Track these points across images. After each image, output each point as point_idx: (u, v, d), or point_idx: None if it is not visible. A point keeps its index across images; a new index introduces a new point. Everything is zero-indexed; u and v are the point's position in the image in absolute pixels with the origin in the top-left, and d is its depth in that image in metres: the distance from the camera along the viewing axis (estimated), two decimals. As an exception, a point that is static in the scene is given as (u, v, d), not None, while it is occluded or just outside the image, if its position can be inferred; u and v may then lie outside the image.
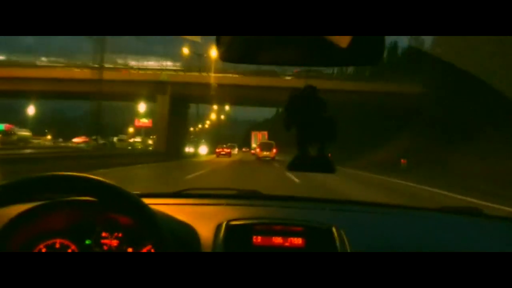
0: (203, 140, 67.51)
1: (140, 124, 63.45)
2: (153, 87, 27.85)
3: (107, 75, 24.45)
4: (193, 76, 28.33)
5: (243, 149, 60.44)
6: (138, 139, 62.42)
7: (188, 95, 29.57)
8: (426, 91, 22.72)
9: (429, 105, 22.77)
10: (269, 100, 26.92)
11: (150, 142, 67.87)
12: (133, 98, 33.83)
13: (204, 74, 26.89)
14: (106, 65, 25.40)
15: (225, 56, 0.68)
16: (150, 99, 30.87)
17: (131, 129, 77.08)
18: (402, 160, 20.07)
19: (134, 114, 63.03)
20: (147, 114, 60.79)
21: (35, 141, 45.52)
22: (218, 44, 0.66)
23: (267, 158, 26.55)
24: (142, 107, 56.69)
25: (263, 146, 28.81)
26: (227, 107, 65.35)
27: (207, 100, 34.64)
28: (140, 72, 27.78)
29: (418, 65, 24.72)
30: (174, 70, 28.64)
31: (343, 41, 0.62)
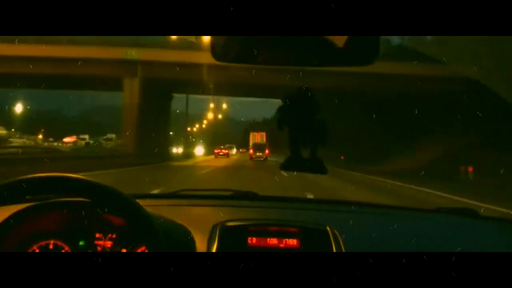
0: (201, 141, 61.80)
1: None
2: (118, 68, 20.86)
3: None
4: (175, 54, 21.33)
5: (240, 150, 60.35)
6: (111, 136, 56.75)
7: (168, 80, 22.78)
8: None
9: (484, 90, 16.03)
10: (275, 87, 19.56)
11: None
12: (91, 85, 26.61)
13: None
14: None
15: (219, 56, 0.69)
16: (116, 86, 23.71)
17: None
18: (461, 167, 14.80)
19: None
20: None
21: (20, 140, 39.92)
22: (213, 44, 0.68)
23: (261, 159, 29.10)
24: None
25: (257, 148, 31.86)
26: (224, 105, 59.60)
27: (198, 89, 27.23)
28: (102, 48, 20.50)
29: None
30: (147, 46, 21.49)
31: (339, 41, 0.64)
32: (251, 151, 32.33)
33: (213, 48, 0.68)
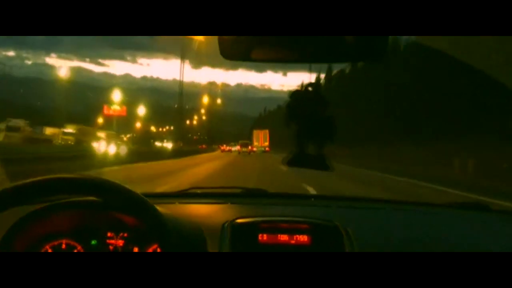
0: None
1: (111, 112, 48.20)
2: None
3: None
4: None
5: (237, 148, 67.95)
6: (69, 129, 37.38)
7: None
8: None
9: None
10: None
11: (101, 135, 43.67)
12: None
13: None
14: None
15: (227, 54, 0.71)
16: None
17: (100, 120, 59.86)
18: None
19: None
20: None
21: None
22: (221, 42, 0.71)
23: (246, 153, 40.18)
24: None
25: (243, 145, 45.20)
26: (220, 82, 44.44)
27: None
28: None
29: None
30: None
31: (347, 39, 0.66)
32: (238, 147, 45.23)
33: (221, 46, 0.69)
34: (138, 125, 69.14)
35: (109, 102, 48.23)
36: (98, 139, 41.85)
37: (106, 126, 55.19)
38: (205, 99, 53.46)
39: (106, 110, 50.35)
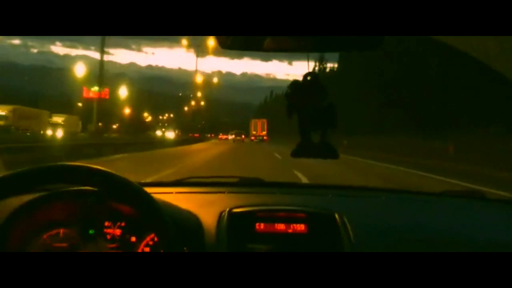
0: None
1: (91, 95, 40.74)
2: None
3: None
4: None
5: (231, 137, 68.61)
6: (2, 111, 27.81)
7: None
8: None
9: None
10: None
11: (58, 120, 34.43)
12: None
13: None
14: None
15: (224, 43, 0.71)
16: None
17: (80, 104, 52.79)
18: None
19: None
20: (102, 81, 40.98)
21: None
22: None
23: (239, 141, 47.22)
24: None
25: (237, 134, 51.84)
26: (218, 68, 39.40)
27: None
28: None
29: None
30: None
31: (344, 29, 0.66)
32: (233, 136, 51.41)
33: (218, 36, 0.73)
34: (127, 112, 60.76)
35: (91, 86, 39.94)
36: (51, 125, 32.81)
37: (87, 113, 47.12)
38: (199, 78, 46.11)
39: (85, 93, 41.81)
